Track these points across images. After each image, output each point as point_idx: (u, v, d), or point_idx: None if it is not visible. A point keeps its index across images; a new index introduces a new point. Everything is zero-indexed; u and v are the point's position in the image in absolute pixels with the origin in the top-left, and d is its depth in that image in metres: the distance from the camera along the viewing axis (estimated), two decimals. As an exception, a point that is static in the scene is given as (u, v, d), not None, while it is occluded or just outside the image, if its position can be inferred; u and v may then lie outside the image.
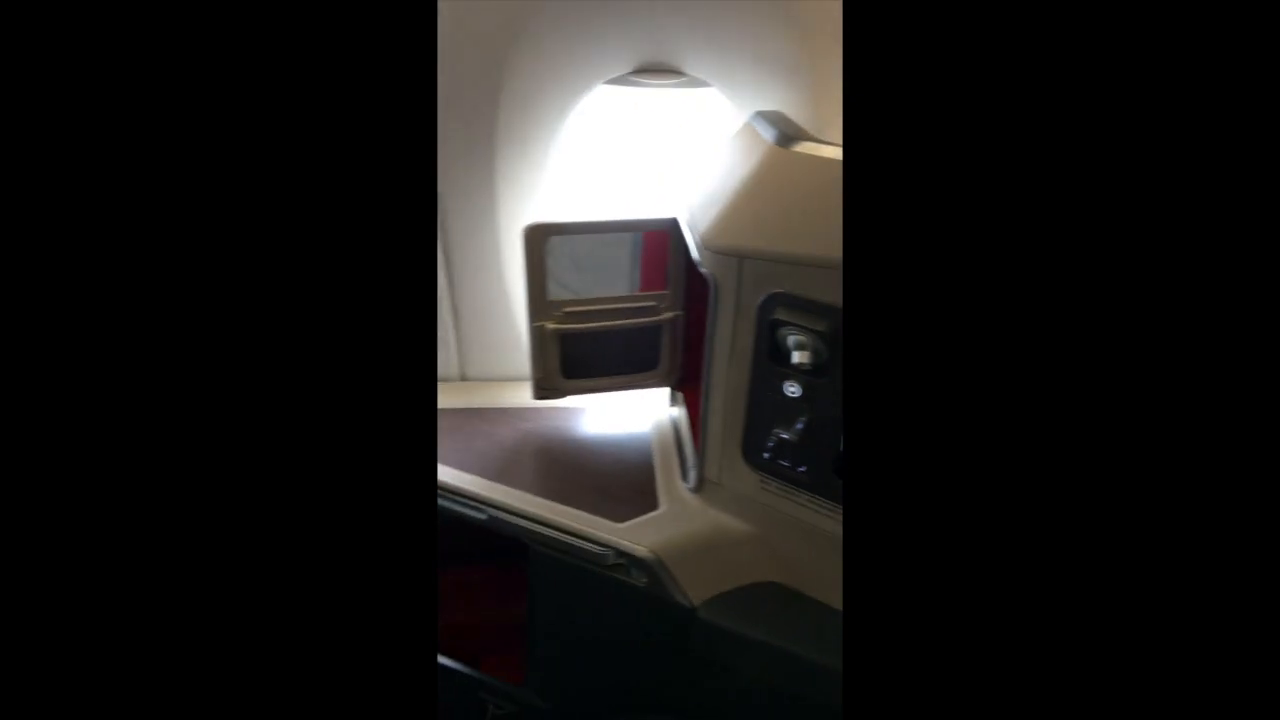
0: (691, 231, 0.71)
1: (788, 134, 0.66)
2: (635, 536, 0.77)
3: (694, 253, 0.70)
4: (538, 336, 0.87)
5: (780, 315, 0.65)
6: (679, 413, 0.94)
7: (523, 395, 0.94)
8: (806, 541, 0.73)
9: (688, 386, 0.94)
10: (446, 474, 0.85)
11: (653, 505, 0.82)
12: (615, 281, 0.90)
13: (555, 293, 0.85)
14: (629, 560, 0.76)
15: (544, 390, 0.91)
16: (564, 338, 0.88)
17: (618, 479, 0.86)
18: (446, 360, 1.06)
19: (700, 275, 0.69)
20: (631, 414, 1.00)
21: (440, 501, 0.85)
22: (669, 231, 0.85)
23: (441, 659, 0.96)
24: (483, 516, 0.83)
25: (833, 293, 0.62)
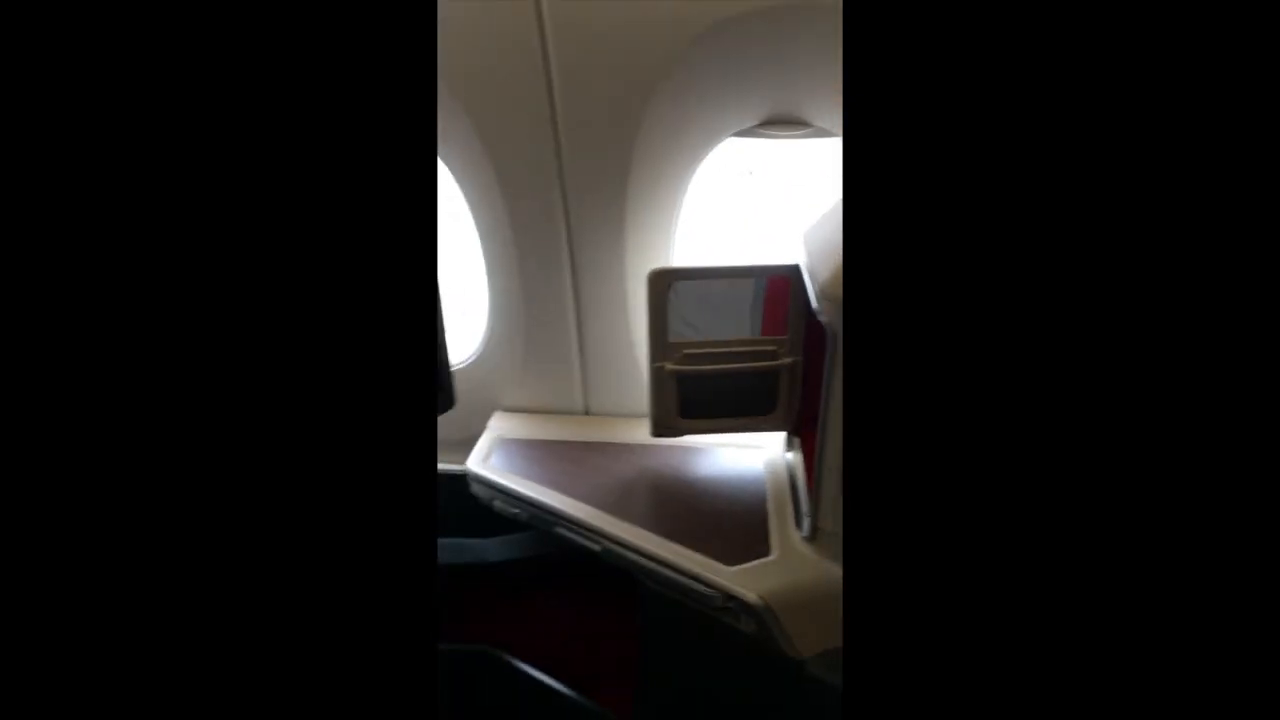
0: (811, 280, 0.71)
1: None
2: (745, 582, 0.77)
3: (813, 301, 0.70)
4: (657, 377, 0.90)
5: (901, 367, 0.63)
6: (794, 458, 0.93)
7: (642, 431, 0.97)
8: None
9: (804, 431, 0.93)
10: (566, 503, 0.89)
11: (765, 550, 0.81)
12: (740, 320, 0.91)
13: (682, 329, 0.88)
14: (737, 605, 0.76)
15: (662, 428, 0.94)
16: (683, 379, 0.90)
17: (731, 520, 0.87)
18: (572, 394, 1.11)
19: (820, 321, 0.69)
20: (748, 456, 1.00)
21: (558, 530, 0.89)
22: (790, 278, 0.85)
23: (551, 682, 1.00)
24: (597, 548, 0.86)
25: None
